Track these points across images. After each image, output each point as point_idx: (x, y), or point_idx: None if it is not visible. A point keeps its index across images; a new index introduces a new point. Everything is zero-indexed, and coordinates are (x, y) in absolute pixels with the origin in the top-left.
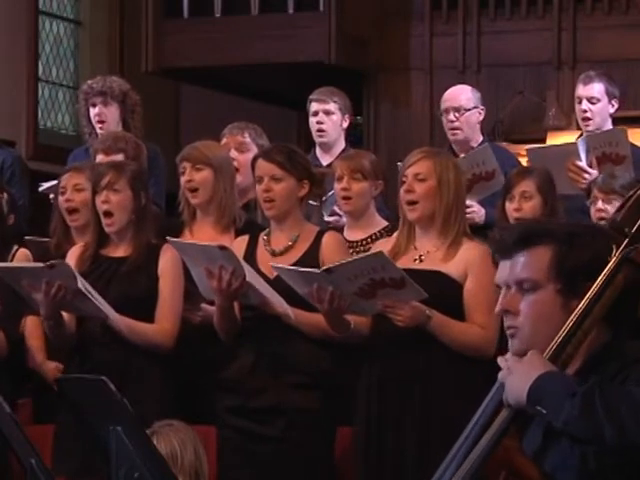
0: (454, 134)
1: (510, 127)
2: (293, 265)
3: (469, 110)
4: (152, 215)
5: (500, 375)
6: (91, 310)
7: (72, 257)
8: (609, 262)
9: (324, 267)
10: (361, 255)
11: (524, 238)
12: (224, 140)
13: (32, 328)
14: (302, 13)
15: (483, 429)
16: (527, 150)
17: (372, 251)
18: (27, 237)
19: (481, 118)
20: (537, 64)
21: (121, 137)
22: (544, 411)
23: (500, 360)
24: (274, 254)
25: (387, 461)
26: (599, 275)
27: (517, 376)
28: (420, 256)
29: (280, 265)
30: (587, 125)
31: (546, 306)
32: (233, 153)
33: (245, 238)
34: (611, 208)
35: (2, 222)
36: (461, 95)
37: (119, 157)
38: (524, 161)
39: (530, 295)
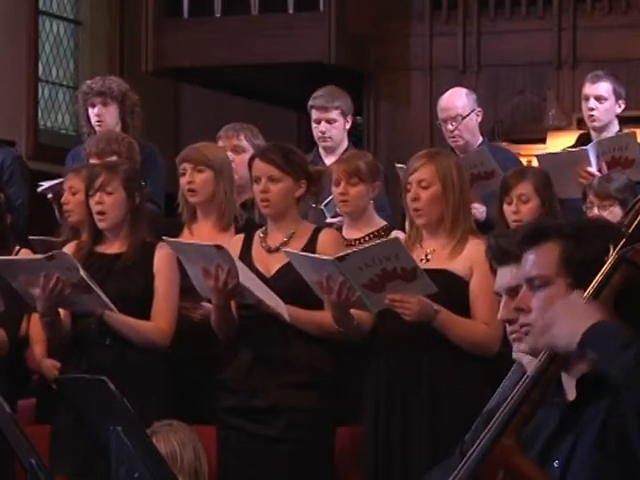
0: (455, 141)
1: (510, 127)
2: (287, 263)
3: (466, 116)
4: (147, 214)
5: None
6: (88, 305)
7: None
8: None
9: (337, 255)
10: (376, 241)
11: (531, 236)
12: (219, 143)
13: (36, 326)
14: (302, 13)
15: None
16: (537, 156)
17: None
18: (32, 237)
19: (479, 119)
20: (537, 64)
21: (113, 139)
22: (596, 357)
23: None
24: (270, 251)
25: (395, 460)
26: None
27: (568, 320)
28: (426, 255)
29: (292, 250)
30: (593, 123)
31: (558, 301)
32: (229, 154)
33: (241, 237)
34: (607, 214)
35: (2, 222)
36: (456, 102)
37: (112, 159)
38: (524, 161)
39: (541, 291)
